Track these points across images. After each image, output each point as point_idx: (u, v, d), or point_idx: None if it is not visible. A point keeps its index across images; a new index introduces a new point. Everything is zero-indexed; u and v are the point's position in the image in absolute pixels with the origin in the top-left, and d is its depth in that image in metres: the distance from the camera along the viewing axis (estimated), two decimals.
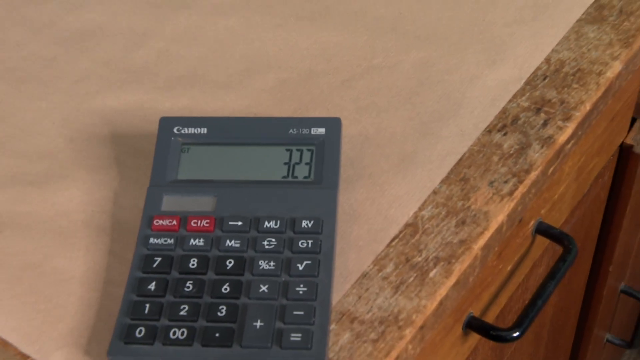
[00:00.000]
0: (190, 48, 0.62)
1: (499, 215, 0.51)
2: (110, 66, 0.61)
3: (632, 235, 1.03)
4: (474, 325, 0.61)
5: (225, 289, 0.46)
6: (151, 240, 0.48)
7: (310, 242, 0.47)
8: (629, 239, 1.02)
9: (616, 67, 0.60)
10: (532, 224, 0.65)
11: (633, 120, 0.84)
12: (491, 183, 0.53)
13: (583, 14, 0.63)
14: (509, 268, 0.65)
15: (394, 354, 0.45)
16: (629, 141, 0.83)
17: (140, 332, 0.44)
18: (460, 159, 0.54)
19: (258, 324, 0.44)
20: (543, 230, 0.66)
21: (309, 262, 0.46)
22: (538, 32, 0.62)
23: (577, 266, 0.90)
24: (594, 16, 0.63)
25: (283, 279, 0.46)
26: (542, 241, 0.69)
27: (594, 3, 0.64)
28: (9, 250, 0.50)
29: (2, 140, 0.57)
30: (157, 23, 0.64)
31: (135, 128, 0.57)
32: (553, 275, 0.62)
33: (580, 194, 0.77)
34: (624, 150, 0.84)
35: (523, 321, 0.59)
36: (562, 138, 0.56)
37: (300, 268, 0.46)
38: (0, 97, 0.59)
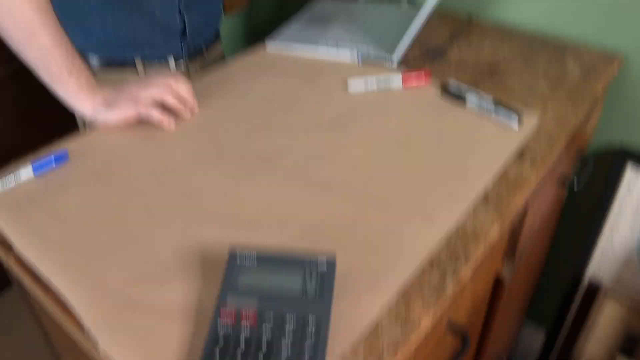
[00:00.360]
0: (251, 204, 0.64)
1: (427, 320, 0.52)
2: (202, 212, 0.62)
3: (501, 328, 1.03)
4: None
5: (262, 358, 0.46)
6: (219, 324, 0.48)
7: (313, 329, 0.48)
8: (499, 330, 1.02)
9: (495, 232, 0.61)
10: (445, 322, 0.65)
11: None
12: (423, 300, 0.53)
13: (477, 200, 0.65)
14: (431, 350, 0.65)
15: None
16: (499, 275, 0.84)
17: None
18: (404, 285, 0.55)
19: None
20: (451, 327, 0.66)
21: (312, 341, 0.47)
22: (452, 208, 0.63)
23: (470, 347, 0.89)
24: (483, 200, 0.65)
25: (297, 351, 0.46)
26: (451, 335, 0.69)
27: (483, 193, 0.66)
28: (136, 323, 0.51)
29: (135, 252, 0.57)
30: (232, 188, 0.66)
31: (215, 251, 0.57)
32: (457, 356, 0.62)
33: (474, 304, 0.77)
34: (498, 281, 0.85)
35: None
36: (465, 274, 0.57)
37: (307, 345, 0.46)
38: (133, 225, 0.60)
